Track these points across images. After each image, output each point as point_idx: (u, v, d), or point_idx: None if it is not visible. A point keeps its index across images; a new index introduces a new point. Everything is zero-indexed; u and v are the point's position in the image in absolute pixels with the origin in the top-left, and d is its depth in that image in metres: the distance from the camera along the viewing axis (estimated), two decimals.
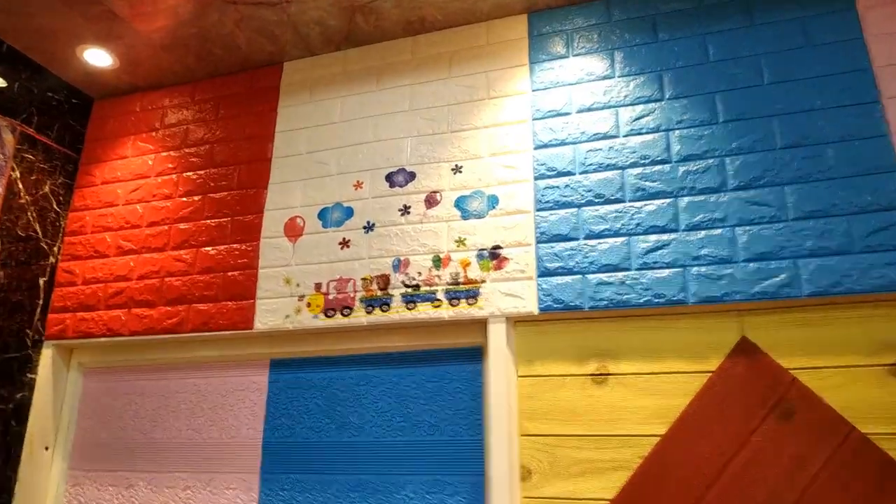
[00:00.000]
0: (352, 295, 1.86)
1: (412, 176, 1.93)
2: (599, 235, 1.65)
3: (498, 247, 1.75)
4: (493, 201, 1.80)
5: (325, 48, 2.14)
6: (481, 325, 1.76)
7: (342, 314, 1.85)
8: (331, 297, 1.89)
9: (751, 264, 1.48)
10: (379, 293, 1.83)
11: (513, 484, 1.53)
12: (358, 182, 1.99)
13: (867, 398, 1.32)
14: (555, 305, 1.62)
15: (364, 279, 1.86)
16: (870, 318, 1.38)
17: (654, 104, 1.72)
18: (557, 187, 1.75)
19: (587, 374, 1.57)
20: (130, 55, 2.21)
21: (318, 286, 1.92)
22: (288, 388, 1.98)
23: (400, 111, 2.00)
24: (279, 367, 2.01)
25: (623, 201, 1.66)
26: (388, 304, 1.81)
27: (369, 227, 1.92)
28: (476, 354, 1.80)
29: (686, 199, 1.59)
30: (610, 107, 1.76)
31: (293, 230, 2.02)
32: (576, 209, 1.70)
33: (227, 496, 1.93)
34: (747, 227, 1.51)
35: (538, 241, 1.71)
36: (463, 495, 1.68)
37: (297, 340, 1.97)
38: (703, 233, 1.55)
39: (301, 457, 1.89)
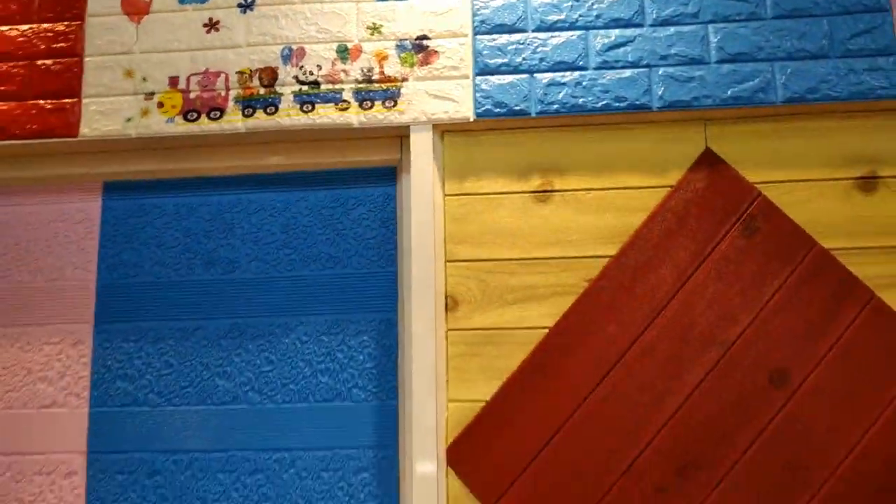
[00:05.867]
0: (223, 93, 1.41)
1: None
2: (552, 27, 1.35)
3: (424, 37, 1.39)
4: None
5: None
6: (395, 139, 1.42)
7: (209, 117, 1.40)
8: (192, 95, 1.42)
9: (724, 66, 1.28)
10: (262, 91, 1.40)
11: (437, 317, 1.27)
12: None
13: (831, 212, 1.22)
14: (496, 110, 1.33)
15: (241, 73, 1.41)
16: (839, 130, 1.26)
17: None
18: None
19: (529, 192, 1.32)
20: None
21: (173, 81, 1.43)
22: (130, 217, 1.51)
23: None
24: (117, 191, 1.53)
25: None
26: (275, 105, 1.39)
27: (247, 5, 1.44)
28: (388, 175, 1.46)
29: None
30: None
31: (135, 5, 1.48)
32: None
33: (45, 352, 1.46)
34: (722, 25, 1.30)
35: (476, 32, 1.38)
36: (370, 334, 1.39)
37: (142, 155, 1.49)
38: (672, 29, 1.32)
39: (152, 300, 1.46)
